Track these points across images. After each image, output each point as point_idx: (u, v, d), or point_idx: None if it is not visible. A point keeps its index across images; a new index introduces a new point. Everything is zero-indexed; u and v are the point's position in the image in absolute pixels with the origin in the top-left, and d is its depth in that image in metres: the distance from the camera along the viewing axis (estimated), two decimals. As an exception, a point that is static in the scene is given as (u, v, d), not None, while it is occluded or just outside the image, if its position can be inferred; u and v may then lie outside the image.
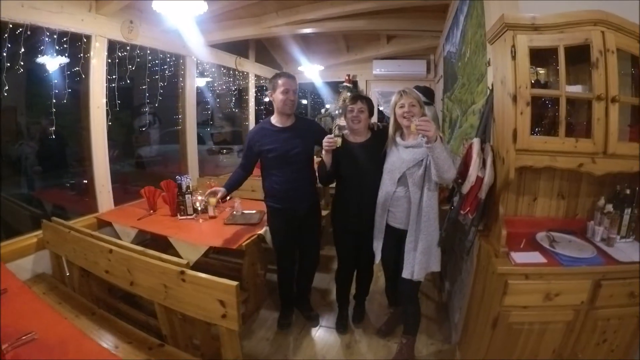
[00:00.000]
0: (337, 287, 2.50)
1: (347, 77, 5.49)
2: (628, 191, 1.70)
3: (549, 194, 1.87)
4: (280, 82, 2.11)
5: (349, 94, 5.26)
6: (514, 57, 1.51)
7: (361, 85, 5.78)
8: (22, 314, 1.41)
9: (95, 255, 1.96)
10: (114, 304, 2.25)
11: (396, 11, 3.60)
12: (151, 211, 2.80)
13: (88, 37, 2.57)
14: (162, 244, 2.42)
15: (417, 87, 3.70)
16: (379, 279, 2.94)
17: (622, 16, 1.51)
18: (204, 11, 2.26)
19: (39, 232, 2.37)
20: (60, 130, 2.54)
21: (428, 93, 3.81)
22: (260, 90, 5.42)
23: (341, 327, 2.46)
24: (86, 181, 3.21)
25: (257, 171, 4.39)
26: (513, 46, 1.51)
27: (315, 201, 2.40)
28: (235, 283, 1.43)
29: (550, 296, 1.54)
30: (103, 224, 2.67)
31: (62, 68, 2.50)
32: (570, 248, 1.64)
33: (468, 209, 1.82)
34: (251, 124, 5.12)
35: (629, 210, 1.69)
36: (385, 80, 5.59)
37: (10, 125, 2.97)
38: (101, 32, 2.63)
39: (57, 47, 2.35)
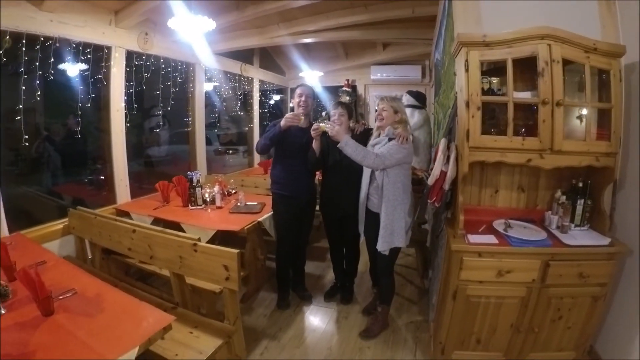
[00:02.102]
0: (333, 264, 2.92)
1: (346, 82, 5.80)
2: (581, 184, 1.96)
3: (510, 186, 2.15)
4: (297, 90, 2.60)
5: (347, 97, 5.57)
6: (467, 70, 1.80)
7: (360, 90, 6.09)
8: (62, 277, 1.73)
9: (119, 235, 2.31)
10: (131, 282, 2.57)
11: (388, 22, 3.89)
12: (165, 203, 3.13)
13: (109, 48, 2.91)
14: (174, 230, 2.75)
15: (410, 92, 3.99)
16: (365, 266, 3.25)
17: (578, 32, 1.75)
18: (212, 28, 2.58)
19: (64, 220, 2.71)
20: (80, 131, 2.87)
21: (420, 97, 4.05)
22: (264, 94, 5.74)
23: (327, 296, 2.88)
24: (103, 177, 3.57)
25: (259, 169, 4.76)
26: (466, 60, 1.79)
27: (314, 192, 2.75)
28: (236, 250, 1.77)
29: (502, 273, 1.81)
30: (121, 214, 2.99)
31: (82, 75, 2.81)
32: (523, 232, 1.91)
33: (434, 198, 2.12)
34: (256, 125, 5.49)
35: (582, 201, 1.95)
36: (383, 84, 5.88)
37: (30, 125, 3.26)
38: (120, 43, 2.98)
39: (82, 58, 2.69)
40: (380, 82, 5.84)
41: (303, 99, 2.55)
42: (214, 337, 1.79)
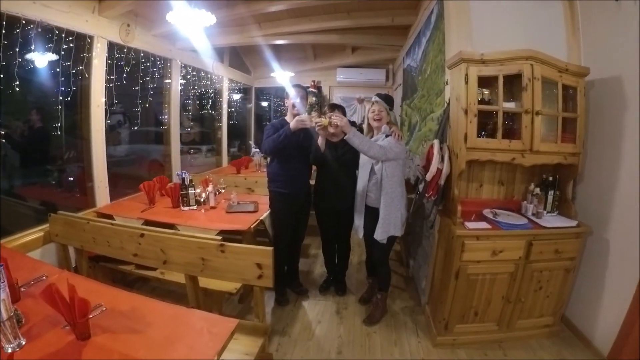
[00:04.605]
0: (325, 258, 3.09)
1: (312, 83, 5.94)
2: (551, 178, 2.37)
3: (492, 181, 2.48)
4: (292, 91, 2.63)
5: (314, 98, 5.74)
6: (466, 83, 2.08)
7: (325, 91, 6.28)
8: (79, 292, 1.36)
9: (122, 241, 2.17)
10: (124, 289, 2.43)
11: (365, 28, 4.14)
12: (151, 204, 2.98)
13: (91, 38, 2.71)
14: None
15: (379, 95, 4.27)
16: (352, 260, 3.45)
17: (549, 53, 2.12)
18: (213, 22, 2.55)
19: (44, 226, 2.47)
20: (45, 128, 2.63)
21: (389, 100, 4.36)
22: (231, 92, 5.67)
23: (322, 289, 3.05)
24: (72, 178, 3.28)
25: (231, 169, 4.69)
26: (466, 75, 2.07)
27: (310, 190, 2.85)
28: (271, 248, 1.80)
29: (496, 252, 2.14)
30: (103, 217, 2.74)
31: (62, 67, 2.56)
32: (508, 219, 2.26)
33: (431, 192, 2.39)
34: (224, 125, 5.38)
35: (552, 192, 2.36)
36: (347, 86, 6.14)
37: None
38: (102, 33, 2.79)
39: (64, 46, 2.48)
40: (345, 84, 6.09)
41: (299, 100, 2.65)
42: (253, 336, 1.82)
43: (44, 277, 1.69)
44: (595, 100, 2.30)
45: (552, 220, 2.28)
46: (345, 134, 2.66)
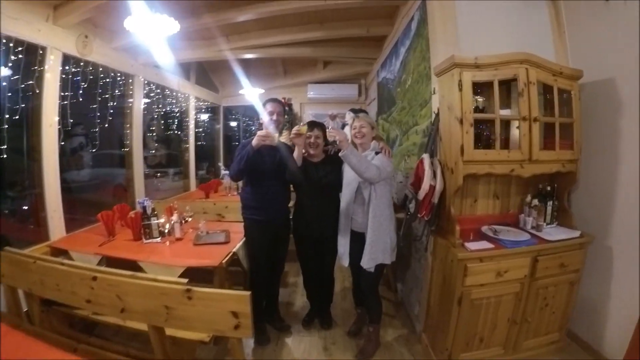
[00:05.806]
0: (307, 292, 2.82)
1: (283, 100, 5.74)
2: (549, 188, 2.26)
3: (487, 195, 2.33)
4: (267, 106, 2.36)
5: (286, 116, 5.53)
6: (460, 89, 1.93)
7: (295, 108, 6.08)
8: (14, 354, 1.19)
9: (72, 284, 1.79)
10: (82, 338, 2.05)
11: (338, 40, 3.98)
12: (110, 237, 2.61)
13: (43, 49, 2.40)
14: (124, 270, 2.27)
15: (353, 110, 4.13)
16: (335, 287, 3.17)
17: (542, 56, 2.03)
18: (176, 31, 2.31)
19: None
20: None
21: (364, 114, 4.26)
22: (199, 112, 5.38)
23: (305, 323, 2.73)
24: (26, 207, 2.87)
25: (199, 193, 4.35)
26: (460, 81, 1.92)
27: (288, 216, 2.56)
28: (248, 293, 1.50)
29: (501, 273, 1.97)
30: (57, 253, 2.40)
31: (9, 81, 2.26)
32: (509, 235, 2.10)
33: (424, 212, 2.17)
34: (191, 146, 5.05)
35: (551, 202, 2.25)
36: (319, 103, 5.97)
37: None
38: (57, 44, 2.49)
39: (12, 57, 2.16)
40: (316, 101, 5.93)
41: (274, 117, 2.36)
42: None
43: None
44: (586, 104, 2.21)
45: (554, 233, 2.15)
46: (325, 154, 2.47)
